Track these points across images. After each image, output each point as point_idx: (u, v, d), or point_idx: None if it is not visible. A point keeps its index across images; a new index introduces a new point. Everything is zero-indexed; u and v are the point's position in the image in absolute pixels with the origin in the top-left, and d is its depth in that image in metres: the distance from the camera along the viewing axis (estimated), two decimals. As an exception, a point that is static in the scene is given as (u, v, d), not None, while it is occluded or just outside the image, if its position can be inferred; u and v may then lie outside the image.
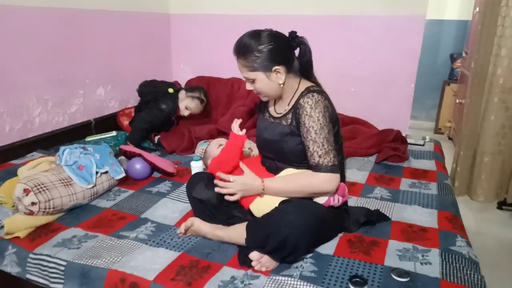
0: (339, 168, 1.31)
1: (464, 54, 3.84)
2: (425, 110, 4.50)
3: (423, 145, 2.43)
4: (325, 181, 1.25)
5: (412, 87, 2.66)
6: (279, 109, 1.43)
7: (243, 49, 1.30)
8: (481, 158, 2.69)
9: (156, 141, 2.33)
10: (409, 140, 2.37)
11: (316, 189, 1.27)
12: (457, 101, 3.66)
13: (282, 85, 1.34)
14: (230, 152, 1.41)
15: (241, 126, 1.43)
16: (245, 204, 1.37)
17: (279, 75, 1.32)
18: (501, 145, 2.62)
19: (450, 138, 4.02)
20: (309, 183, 1.28)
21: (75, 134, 2.28)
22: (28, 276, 1.30)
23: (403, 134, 2.39)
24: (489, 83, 2.57)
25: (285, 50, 1.33)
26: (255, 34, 1.30)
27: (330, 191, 1.27)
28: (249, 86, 1.37)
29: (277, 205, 1.28)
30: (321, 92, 1.33)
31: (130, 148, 1.96)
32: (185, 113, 2.43)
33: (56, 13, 2.15)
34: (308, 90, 1.33)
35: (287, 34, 1.34)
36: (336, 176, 1.26)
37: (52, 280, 1.25)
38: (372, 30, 2.62)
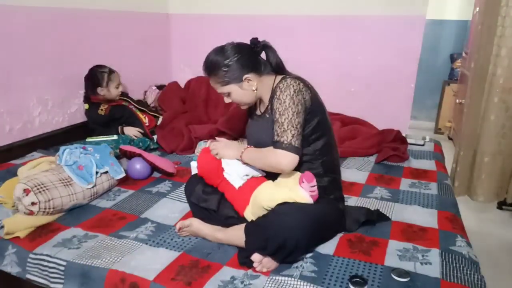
0: (318, 159, 1.35)
1: (464, 54, 3.84)
2: (425, 110, 4.50)
3: (423, 145, 2.43)
4: (280, 157, 1.24)
5: (412, 87, 2.66)
6: (262, 108, 1.47)
7: (211, 66, 1.36)
8: (481, 158, 2.69)
9: (155, 140, 2.33)
10: (409, 140, 2.37)
11: (272, 164, 1.27)
12: (457, 101, 3.66)
13: (255, 91, 1.38)
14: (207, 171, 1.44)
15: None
16: (240, 211, 1.37)
17: (251, 82, 1.37)
18: (501, 145, 2.62)
19: (450, 138, 4.02)
20: (266, 156, 1.29)
21: (75, 134, 2.28)
22: (28, 276, 1.30)
23: (403, 134, 2.39)
24: (489, 83, 2.57)
25: (251, 58, 1.38)
26: (219, 50, 1.36)
27: (284, 169, 1.26)
28: (227, 100, 1.43)
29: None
30: (295, 78, 1.33)
31: (130, 148, 1.96)
32: (118, 91, 2.33)
33: (57, 13, 2.15)
34: (282, 78, 1.34)
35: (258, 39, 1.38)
36: (292, 156, 1.24)
37: (52, 280, 1.25)
38: (372, 30, 2.62)
